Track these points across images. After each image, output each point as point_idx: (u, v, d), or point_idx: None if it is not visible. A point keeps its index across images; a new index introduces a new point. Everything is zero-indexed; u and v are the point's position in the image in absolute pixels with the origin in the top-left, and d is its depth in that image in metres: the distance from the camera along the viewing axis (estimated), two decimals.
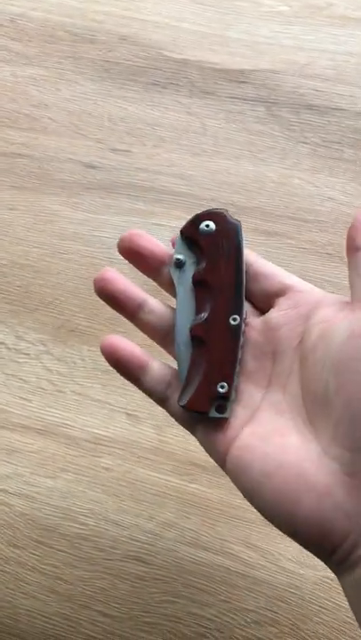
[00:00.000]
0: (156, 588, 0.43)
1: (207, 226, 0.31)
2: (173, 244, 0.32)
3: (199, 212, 0.31)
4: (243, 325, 0.30)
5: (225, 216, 0.31)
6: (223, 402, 0.29)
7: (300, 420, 0.28)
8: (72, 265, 0.51)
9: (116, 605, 0.43)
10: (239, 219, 0.52)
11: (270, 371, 0.30)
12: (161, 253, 0.31)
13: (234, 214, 0.53)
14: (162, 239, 0.52)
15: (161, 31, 0.58)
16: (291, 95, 0.56)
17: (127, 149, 0.54)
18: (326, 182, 0.53)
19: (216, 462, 0.30)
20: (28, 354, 0.49)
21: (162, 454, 0.45)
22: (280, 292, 0.30)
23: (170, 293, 0.32)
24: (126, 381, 0.47)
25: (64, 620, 0.43)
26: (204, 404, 0.29)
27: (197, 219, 0.31)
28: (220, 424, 0.29)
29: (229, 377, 0.29)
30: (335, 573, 0.27)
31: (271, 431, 0.28)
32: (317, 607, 0.42)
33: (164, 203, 0.52)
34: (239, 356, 0.30)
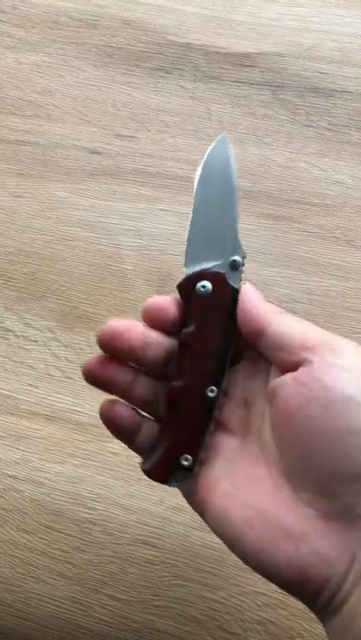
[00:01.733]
0: (165, 571, 0.43)
1: (203, 287, 0.29)
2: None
3: (199, 269, 0.29)
4: (220, 398, 0.29)
5: (224, 279, 0.29)
6: (185, 473, 0.29)
7: (274, 467, 0.28)
8: (78, 252, 0.51)
9: (126, 589, 0.43)
10: (246, 203, 0.52)
11: (245, 419, 0.30)
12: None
13: (241, 199, 0.53)
14: (168, 224, 0.52)
15: (165, 15, 0.57)
16: (296, 78, 0.55)
17: (132, 135, 0.54)
18: (333, 166, 0.53)
19: (194, 510, 0.30)
20: (35, 341, 0.49)
21: None
22: (299, 364, 0.27)
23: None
24: None
25: (74, 604, 0.43)
26: (164, 474, 0.29)
27: (194, 277, 0.29)
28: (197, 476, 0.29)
29: (195, 450, 0.29)
30: (321, 620, 0.27)
31: (249, 480, 0.28)
32: None
33: (170, 188, 0.52)
34: (211, 428, 0.29)
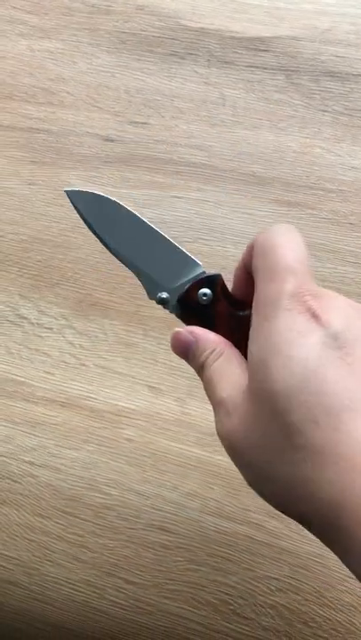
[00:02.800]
0: (179, 556, 0.43)
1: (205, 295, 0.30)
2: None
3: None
4: None
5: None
6: None
7: None
8: (92, 239, 0.51)
9: (140, 573, 0.43)
10: (260, 189, 0.51)
11: None
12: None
13: (255, 185, 0.53)
14: (181, 211, 0.52)
15: None
16: (311, 62, 0.54)
17: (145, 122, 0.54)
18: (349, 151, 0.52)
19: None
20: (50, 328, 0.49)
21: (184, 426, 0.46)
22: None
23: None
24: (148, 354, 0.47)
25: (89, 587, 0.44)
26: None
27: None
28: None
29: None
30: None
31: None
32: (342, 575, 0.42)
33: (183, 175, 0.52)
34: None
